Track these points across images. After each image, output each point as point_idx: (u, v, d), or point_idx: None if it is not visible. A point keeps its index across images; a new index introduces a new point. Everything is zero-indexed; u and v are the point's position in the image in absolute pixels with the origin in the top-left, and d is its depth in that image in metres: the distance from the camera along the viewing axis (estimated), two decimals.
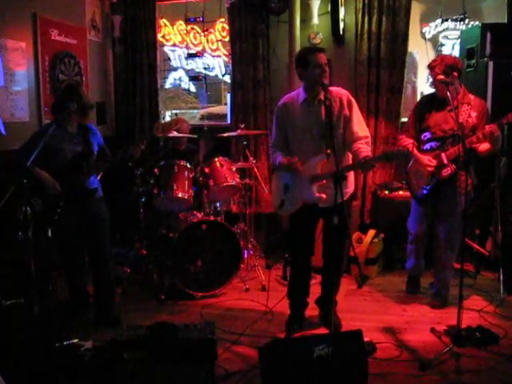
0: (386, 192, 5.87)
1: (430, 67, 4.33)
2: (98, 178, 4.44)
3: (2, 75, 4.98)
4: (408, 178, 4.69)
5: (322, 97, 3.82)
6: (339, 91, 4.01)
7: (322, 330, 4.09)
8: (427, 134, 4.44)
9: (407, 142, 4.50)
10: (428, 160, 4.37)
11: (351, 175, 4.10)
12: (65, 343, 3.67)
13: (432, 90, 4.67)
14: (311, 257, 4.24)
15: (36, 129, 5.40)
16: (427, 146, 4.47)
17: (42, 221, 4.04)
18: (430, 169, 4.37)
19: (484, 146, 4.18)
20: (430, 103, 4.49)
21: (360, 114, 4.06)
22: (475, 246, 5.41)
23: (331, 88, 3.91)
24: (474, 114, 4.25)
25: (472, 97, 4.36)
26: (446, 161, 4.29)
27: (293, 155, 3.98)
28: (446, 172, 4.32)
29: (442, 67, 4.22)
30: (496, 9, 5.91)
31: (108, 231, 4.41)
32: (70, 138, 4.17)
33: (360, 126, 4.00)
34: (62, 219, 4.09)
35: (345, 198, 3.74)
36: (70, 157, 4.14)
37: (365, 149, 3.88)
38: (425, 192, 4.49)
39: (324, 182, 3.88)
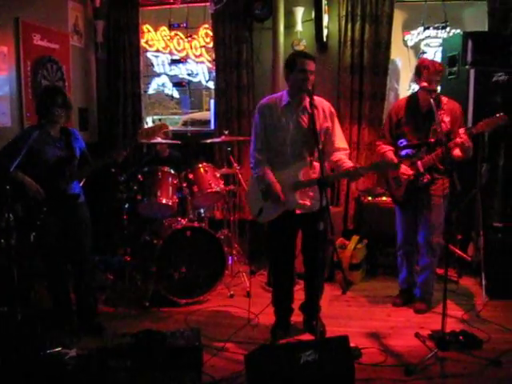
0: (370, 198, 5.90)
1: (441, 70, 4.32)
2: (81, 183, 4.40)
3: None
4: (388, 184, 4.73)
5: (306, 104, 3.84)
6: (322, 102, 4.04)
7: (308, 336, 4.10)
8: (403, 141, 4.47)
9: (385, 149, 4.54)
10: (404, 169, 4.41)
11: None
12: (48, 352, 3.63)
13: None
14: (294, 263, 4.24)
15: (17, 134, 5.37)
16: (403, 153, 4.50)
17: (23, 226, 4.00)
18: (405, 177, 4.43)
19: (457, 153, 4.25)
20: (405, 108, 4.51)
21: (340, 127, 4.12)
22: (457, 251, 5.46)
23: (315, 97, 3.91)
24: (447, 119, 4.29)
25: (445, 100, 4.39)
26: (421, 169, 4.36)
27: (272, 157, 3.99)
28: (424, 180, 4.38)
29: (437, 76, 4.27)
30: (477, 17, 6.00)
31: (90, 237, 4.37)
32: (52, 142, 4.12)
33: (341, 138, 4.07)
34: (43, 224, 4.05)
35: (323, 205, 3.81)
36: (52, 161, 4.09)
37: (347, 159, 3.96)
38: (404, 197, 4.54)
39: (307, 189, 3.90)
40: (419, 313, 4.57)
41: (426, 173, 4.37)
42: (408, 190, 4.48)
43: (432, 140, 4.33)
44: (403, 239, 4.74)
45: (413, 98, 4.55)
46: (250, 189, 4.26)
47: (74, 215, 4.24)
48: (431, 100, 4.00)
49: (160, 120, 6.83)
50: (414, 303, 4.70)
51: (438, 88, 4.52)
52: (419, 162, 4.36)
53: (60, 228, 4.19)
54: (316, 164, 3.93)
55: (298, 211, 3.97)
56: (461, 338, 3.88)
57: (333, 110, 4.07)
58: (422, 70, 4.30)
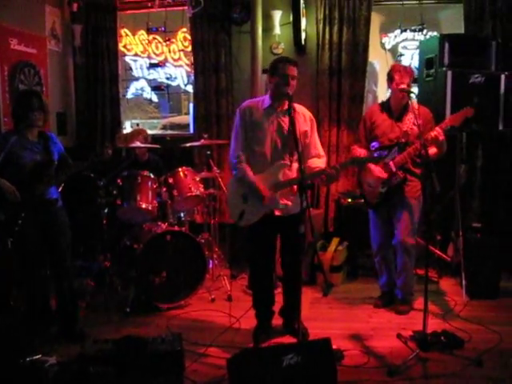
0: (349, 200, 5.92)
1: (413, 74, 4.50)
2: (59, 188, 4.35)
3: None
4: (361, 188, 4.78)
5: (286, 107, 3.85)
6: (303, 109, 4.11)
7: (290, 339, 4.10)
8: (375, 144, 4.54)
9: (360, 151, 4.61)
10: (379, 172, 4.48)
11: None
12: (28, 359, 3.57)
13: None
14: (274, 266, 4.25)
15: None
16: (376, 155, 4.47)
17: (2, 232, 3.95)
18: (380, 179, 4.49)
19: (432, 150, 4.30)
20: (378, 113, 4.62)
21: (317, 136, 4.19)
22: (437, 251, 5.50)
23: (296, 104, 3.95)
24: (418, 122, 4.26)
25: (416, 105, 4.46)
26: (394, 169, 4.41)
27: (252, 160, 4.01)
28: (396, 179, 4.43)
29: (408, 78, 4.37)
30: (453, 20, 6.07)
31: (69, 242, 4.32)
32: (30, 146, 4.07)
33: (318, 145, 4.15)
34: (22, 230, 4.00)
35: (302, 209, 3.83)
36: (29, 166, 4.04)
37: (320, 163, 4.03)
38: (377, 200, 4.58)
39: (288, 189, 3.91)
40: (401, 314, 4.59)
41: (399, 172, 4.42)
42: (381, 193, 4.53)
43: (403, 140, 4.41)
44: (379, 245, 4.77)
45: (385, 103, 4.68)
46: (229, 192, 4.23)
47: (52, 220, 4.19)
48: (409, 100, 4.07)
49: (138, 125, 6.79)
50: (395, 305, 4.71)
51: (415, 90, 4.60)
52: (391, 162, 4.41)
53: (38, 233, 4.14)
54: (295, 165, 3.94)
55: (277, 213, 3.98)
56: (442, 338, 3.90)
57: (313, 118, 4.14)
58: (394, 74, 4.41)
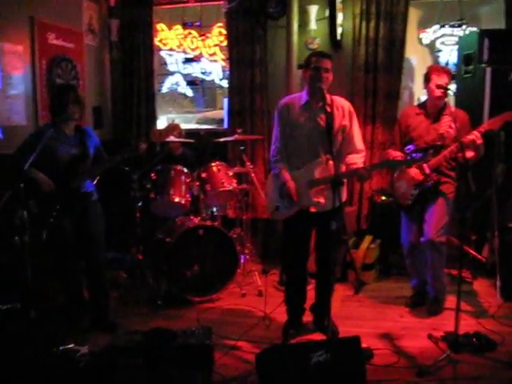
0: (383, 198, 5.86)
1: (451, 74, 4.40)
2: (95, 182, 4.41)
3: None
4: (393, 189, 4.72)
5: (328, 104, 3.84)
6: (342, 101, 4.05)
7: (319, 336, 4.08)
8: (411, 147, 4.47)
9: (394, 154, 4.53)
10: (414, 173, 4.42)
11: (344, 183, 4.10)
12: (61, 348, 3.64)
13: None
14: (307, 262, 4.23)
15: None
16: (410, 158, 4.47)
17: (37, 224, 4.02)
18: (414, 181, 4.43)
19: (469, 154, 4.18)
20: (413, 116, 4.55)
21: (358, 128, 4.12)
22: (472, 252, 5.41)
23: (334, 96, 3.97)
24: (453, 125, 4.24)
25: (452, 108, 4.41)
26: (427, 170, 4.35)
27: (289, 156, 4.01)
28: (429, 182, 4.37)
29: (446, 78, 4.31)
30: (494, 15, 5.93)
31: (103, 235, 4.38)
32: (66, 140, 4.15)
33: (359, 139, 4.07)
34: (57, 222, 4.07)
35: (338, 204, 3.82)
36: (65, 159, 4.12)
37: (358, 159, 3.98)
38: (410, 202, 4.51)
39: (322, 187, 3.89)
40: (433, 314, 4.51)
41: (433, 174, 4.36)
42: (413, 195, 4.48)
43: (439, 143, 4.33)
44: (410, 246, 4.70)
45: (421, 105, 4.61)
46: (268, 186, 4.27)
47: (87, 213, 4.26)
48: (444, 101, 4.03)
49: (173, 120, 6.82)
50: (427, 305, 4.64)
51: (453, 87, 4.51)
52: (425, 165, 4.35)
53: (73, 226, 4.22)
54: (331, 163, 3.91)
55: (312, 209, 3.96)
56: (474, 340, 3.83)
57: (352, 109, 4.06)
58: (431, 74, 4.35)
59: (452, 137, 4.26)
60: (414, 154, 4.43)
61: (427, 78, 4.39)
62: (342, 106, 4.00)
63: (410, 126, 4.52)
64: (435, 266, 4.49)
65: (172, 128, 5.60)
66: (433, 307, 4.57)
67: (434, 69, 4.41)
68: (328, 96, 3.88)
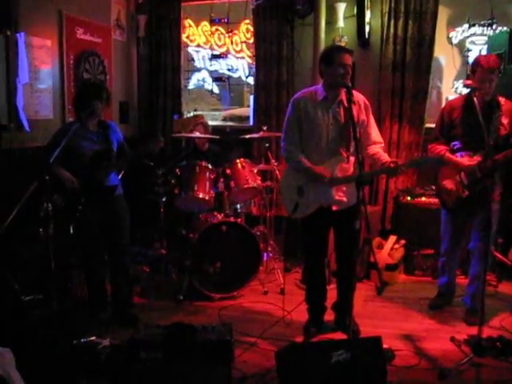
0: (409, 198, 5.81)
1: (493, 69, 3.97)
2: (119, 176, 4.44)
3: (27, 73, 5.02)
4: (438, 190, 4.42)
5: (343, 97, 3.82)
6: (358, 95, 3.97)
7: (340, 335, 4.06)
8: (457, 143, 4.20)
9: (440, 148, 4.26)
10: (468, 160, 4.08)
11: None
12: (82, 340, 3.68)
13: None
14: (328, 261, 4.20)
15: (59, 126, 5.46)
16: (458, 156, 4.20)
17: (63, 217, 4.06)
18: (470, 168, 4.05)
19: None
20: (460, 108, 4.23)
21: (374, 121, 4.07)
22: (498, 254, 5.33)
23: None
24: (505, 121, 4.01)
25: (502, 100, 4.08)
26: (479, 174, 4.01)
27: (308, 153, 3.93)
28: (480, 185, 4.01)
29: (499, 69, 4.08)
30: None
31: (127, 229, 4.41)
32: (90, 135, 4.18)
33: (376, 131, 4.03)
34: (82, 216, 4.11)
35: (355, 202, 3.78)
36: (89, 155, 4.15)
37: (384, 153, 3.91)
38: (456, 203, 4.22)
39: (346, 186, 3.86)
40: (471, 325, 4.20)
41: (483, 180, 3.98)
42: (460, 197, 4.17)
43: (492, 143, 3.91)
44: (449, 247, 4.49)
45: (468, 97, 4.14)
46: (283, 184, 4.19)
47: (112, 207, 4.29)
48: (474, 98, 3.82)
49: (196, 110, 6.84)
50: (465, 316, 4.42)
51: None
52: (477, 168, 4.01)
53: (98, 219, 4.25)
54: (352, 159, 3.90)
55: (334, 207, 3.93)
56: (498, 344, 3.76)
57: (367, 103, 4.01)
58: (476, 68, 4.04)
59: (504, 135, 4.02)
60: (461, 152, 4.16)
61: (472, 70, 4.10)
62: (358, 100, 3.91)
63: (455, 120, 4.22)
64: (480, 276, 4.06)
65: (195, 119, 5.63)
66: (472, 318, 4.26)
67: (480, 63, 4.02)
68: (343, 91, 3.82)
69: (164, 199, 5.29)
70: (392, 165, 3.73)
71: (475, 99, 3.80)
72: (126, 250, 4.44)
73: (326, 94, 3.90)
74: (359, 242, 3.60)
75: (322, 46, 6.05)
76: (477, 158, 4.03)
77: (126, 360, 3.34)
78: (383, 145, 4.07)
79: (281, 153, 6.32)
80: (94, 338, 3.75)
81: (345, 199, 3.89)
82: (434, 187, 4.74)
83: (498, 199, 4.23)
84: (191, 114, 7.39)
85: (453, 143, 4.23)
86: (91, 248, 4.32)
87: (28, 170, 4.15)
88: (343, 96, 3.81)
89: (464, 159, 4.12)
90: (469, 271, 4.51)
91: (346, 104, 3.76)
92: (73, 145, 4.03)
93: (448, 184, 4.25)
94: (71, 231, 4.08)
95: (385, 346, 3.32)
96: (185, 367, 3.28)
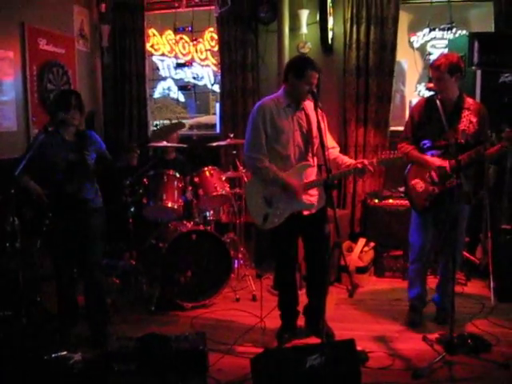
0: (376, 201, 5.87)
1: (435, 67, 4.02)
2: (94, 188, 4.24)
3: None
4: (407, 188, 4.37)
5: (305, 105, 3.90)
6: (312, 104, 3.94)
7: (314, 340, 4.07)
8: (427, 142, 4.18)
9: (409, 148, 4.24)
10: (439, 161, 4.08)
11: None
12: (53, 355, 3.61)
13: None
14: (299, 265, 4.21)
15: (23, 138, 5.41)
16: (428, 154, 4.20)
17: (31, 231, 3.99)
18: (434, 181, 4.11)
19: (492, 149, 3.97)
20: (428, 107, 4.20)
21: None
22: (465, 254, 5.42)
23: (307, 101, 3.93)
24: (474, 120, 4.04)
25: (470, 100, 4.16)
26: (450, 171, 4.01)
27: (274, 161, 3.90)
28: (451, 183, 4.00)
29: (446, 67, 3.97)
30: (483, 18, 5.97)
31: (99, 245, 4.22)
32: (64, 145, 4.04)
33: (330, 137, 4.06)
34: (50, 229, 4.03)
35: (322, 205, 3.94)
36: (61, 165, 4.00)
37: (344, 156, 4.03)
38: (426, 203, 4.20)
39: (314, 189, 3.89)
40: (442, 324, 4.24)
41: (454, 176, 3.91)
42: (431, 195, 4.16)
43: (462, 141, 3.93)
44: (420, 252, 4.36)
45: (431, 98, 4.20)
46: (249, 196, 4.10)
47: (84, 221, 4.11)
48: (437, 101, 3.90)
49: (171, 120, 6.79)
50: (436, 314, 4.46)
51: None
52: (447, 165, 4.02)
53: (68, 233, 4.10)
54: (316, 163, 3.99)
55: (305, 212, 3.95)
56: (469, 341, 3.82)
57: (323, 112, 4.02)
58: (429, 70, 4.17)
59: (472, 133, 4.02)
60: (431, 151, 4.16)
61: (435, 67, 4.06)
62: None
63: (424, 119, 4.20)
64: (451, 277, 3.95)
65: (178, 126, 5.59)
66: (442, 317, 4.34)
67: (443, 61, 4.03)
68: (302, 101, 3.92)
69: (132, 209, 5.23)
70: (359, 165, 3.81)
71: (438, 102, 3.89)
72: (95, 267, 4.21)
73: (289, 101, 3.93)
74: (329, 246, 3.62)
75: (287, 52, 6.09)
76: (447, 162, 4.02)
77: (100, 373, 3.29)
78: (338, 148, 4.15)
79: None
80: (65, 352, 3.68)
81: (315, 203, 3.93)
82: (401, 189, 4.74)
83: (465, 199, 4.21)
84: (156, 124, 7.38)
85: (422, 142, 4.22)
86: (60, 261, 4.18)
87: None
88: (305, 104, 3.88)
89: (435, 159, 4.11)
90: (438, 271, 4.56)
91: (307, 111, 3.85)
92: (45, 154, 3.94)
93: (418, 183, 4.24)
94: (38, 245, 4.01)
95: (358, 348, 3.33)
96: (159, 378, 3.25)
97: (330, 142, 4.05)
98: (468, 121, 4.04)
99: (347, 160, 3.98)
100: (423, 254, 4.37)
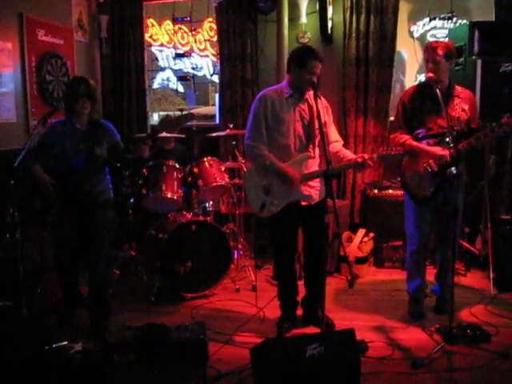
0: (376, 191, 5.87)
1: (432, 47, 3.98)
2: (105, 180, 4.24)
3: None
4: (405, 178, 4.29)
5: (308, 96, 3.88)
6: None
7: (314, 329, 4.07)
8: (422, 131, 4.12)
9: (405, 137, 4.14)
10: (440, 150, 3.98)
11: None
12: (54, 346, 3.61)
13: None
14: (299, 256, 4.21)
15: (22, 129, 5.40)
16: (424, 143, 4.13)
17: (40, 221, 3.99)
18: (445, 159, 3.91)
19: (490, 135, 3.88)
20: (420, 95, 4.16)
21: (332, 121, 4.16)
22: (465, 244, 5.42)
23: (310, 92, 3.88)
24: (466, 107, 4.04)
25: (459, 88, 4.14)
26: (450, 159, 3.84)
27: (274, 151, 3.92)
28: (451, 172, 3.79)
29: (443, 50, 3.95)
30: (483, 7, 5.95)
31: (106, 238, 4.20)
32: (76, 135, 4.01)
33: (334, 130, 4.12)
34: (56, 220, 4.03)
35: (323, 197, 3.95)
36: (71, 154, 3.98)
37: (346, 150, 4.02)
38: (428, 194, 4.13)
39: (315, 181, 3.89)
40: (443, 314, 4.21)
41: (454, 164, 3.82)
42: (431, 186, 4.09)
43: (457, 128, 3.92)
44: (419, 243, 4.30)
45: (424, 85, 4.22)
46: (247, 184, 4.15)
47: (90, 213, 4.10)
48: (437, 90, 3.88)
49: (181, 110, 6.75)
50: (438, 305, 4.45)
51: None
52: (448, 153, 3.84)
53: (75, 224, 4.10)
54: (318, 154, 3.98)
55: (303, 203, 3.95)
56: (468, 331, 3.83)
57: (327, 104, 4.08)
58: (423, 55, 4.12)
59: (465, 120, 4.02)
60: (427, 140, 4.09)
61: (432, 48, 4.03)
62: (320, 101, 3.90)
63: (418, 107, 4.14)
64: (450, 266, 3.90)
65: (187, 118, 5.55)
66: (441, 307, 4.35)
67: (442, 44, 4.04)
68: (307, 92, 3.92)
69: (132, 200, 5.24)
70: (359, 160, 3.82)
71: (438, 91, 3.87)
72: (100, 259, 4.19)
73: (292, 92, 3.92)
74: (329, 237, 3.63)
75: (286, 42, 6.07)
76: (447, 151, 3.85)
77: (100, 364, 3.29)
78: (342, 142, 4.16)
79: None
80: (65, 342, 3.69)
81: (313, 194, 3.92)
82: (399, 179, 4.68)
83: (463, 188, 4.24)
84: (157, 115, 7.36)
85: (417, 131, 4.15)
86: (63, 252, 4.17)
87: None
88: (308, 94, 3.86)
89: (437, 148, 4.03)
90: (437, 261, 4.56)
91: (311, 101, 3.83)
92: (55, 144, 3.94)
93: (416, 174, 4.17)
94: (44, 234, 4.01)
95: (358, 338, 3.33)
96: (159, 368, 3.24)
97: (334, 135, 4.07)
98: (461, 108, 4.03)
99: (349, 154, 3.99)
100: (422, 245, 4.33)
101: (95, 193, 4.11)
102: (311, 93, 3.81)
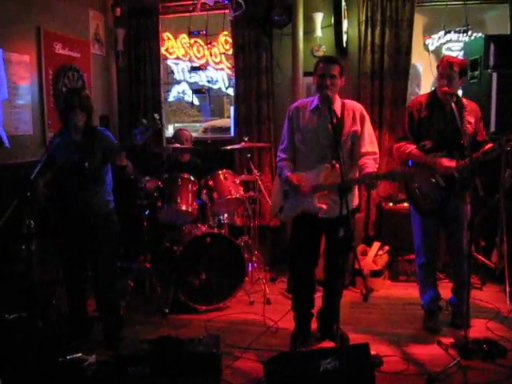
0: (391, 204, 5.86)
1: (448, 63, 3.97)
2: (103, 192, 4.19)
3: (5, 89, 4.98)
4: (411, 190, 4.28)
5: (335, 108, 3.90)
6: (354, 104, 4.03)
7: (328, 343, 4.05)
8: (427, 143, 4.09)
9: (410, 147, 4.12)
10: (447, 161, 3.95)
11: (355, 188, 4.09)
12: (68, 357, 3.63)
13: None
14: (315, 268, 4.20)
15: (39, 142, 5.45)
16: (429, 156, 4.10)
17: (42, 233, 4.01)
18: (451, 170, 3.92)
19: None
20: (430, 106, 4.16)
21: (372, 130, 4.04)
22: (481, 257, 5.38)
23: (346, 100, 3.99)
24: (472, 120, 4.05)
25: (465, 101, 4.12)
26: (457, 174, 3.92)
27: (298, 160, 4.05)
28: (457, 187, 3.94)
29: (459, 67, 3.97)
30: (499, 20, 5.94)
31: (108, 253, 4.18)
32: (71, 146, 4.00)
33: (370, 141, 3.97)
34: (55, 232, 4.06)
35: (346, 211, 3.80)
36: (65, 166, 3.97)
37: (370, 164, 3.84)
38: (434, 207, 4.13)
39: (326, 192, 3.87)
40: (459, 328, 4.14)
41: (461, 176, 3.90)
42: (436, 199, 4.08)
43: (463, 142, 3.82)
44: (427, 255, 4.33)
45: (433, 96, 4.19)
46: (274, 187, 4.33)
47: (91, 228, 4.07)
48: (452, 104, 3.88)
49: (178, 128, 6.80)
50: (454, 320, 4.39)
51: (459, 92, 4.24)
52: (455, 167, 3.91)
53: (75, 238, 4.09)
54: (338, 167, 3.92)
55: (320, 215, 3.94)
56: (484, 346, 3.79)
57: (365, 113, 4.01)
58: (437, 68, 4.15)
59: (471, 133, 4.02)
60: (432, 154, 4.04)
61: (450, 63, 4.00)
62: (353, 109, 3.97)
63: (424, 118, 4.14)
64: (465, 278, 3.90)
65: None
66: (460, 321, 4.23)
67: (439, 63, 4.11)
68: (339, 100, 3.95)
69: (147, 212, 5.27)
70: (367, 175, 3.72)
71: (453, 104, 3.87)
72: (105, 271, 4.18)
73: (319, 103, 3.95)
74: (344, 250, 3.61)
75: (301, 55, 6.07)
76: (454, 161, 3.93)
77: (114, 376, 3.30)
78: (377, 156, 3.98)
79: (263, 163, 6.44)
80: (79, 354, 3.70)
81: (325, 206, 3.88)
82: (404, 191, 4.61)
83: (469, 200, 4.17)
84: (172, 127, 7.39)
85: (423, 143, 4.11)
86: (67, 267, 4.20)
87: (9, 187, 4.11)
88: (336, 106, 3.89)
89: (443, 159, 3.98)
90: (452, 274, 4.52)
91: (338, 114, 3.88)
92: (53, 156, 3.95)
93: (423, 187, 4.14)
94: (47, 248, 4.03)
95: (372, 352, 3.32)
96: (173, 381, 3.25)
97: (369, 147, 3.95)
98: (467, 121, 4.01)
99: (366, 169, 3.81)
100: (430, 257, 4.34)
101: (92, 204, 4.06)
102: (340, 104, 3.90)
